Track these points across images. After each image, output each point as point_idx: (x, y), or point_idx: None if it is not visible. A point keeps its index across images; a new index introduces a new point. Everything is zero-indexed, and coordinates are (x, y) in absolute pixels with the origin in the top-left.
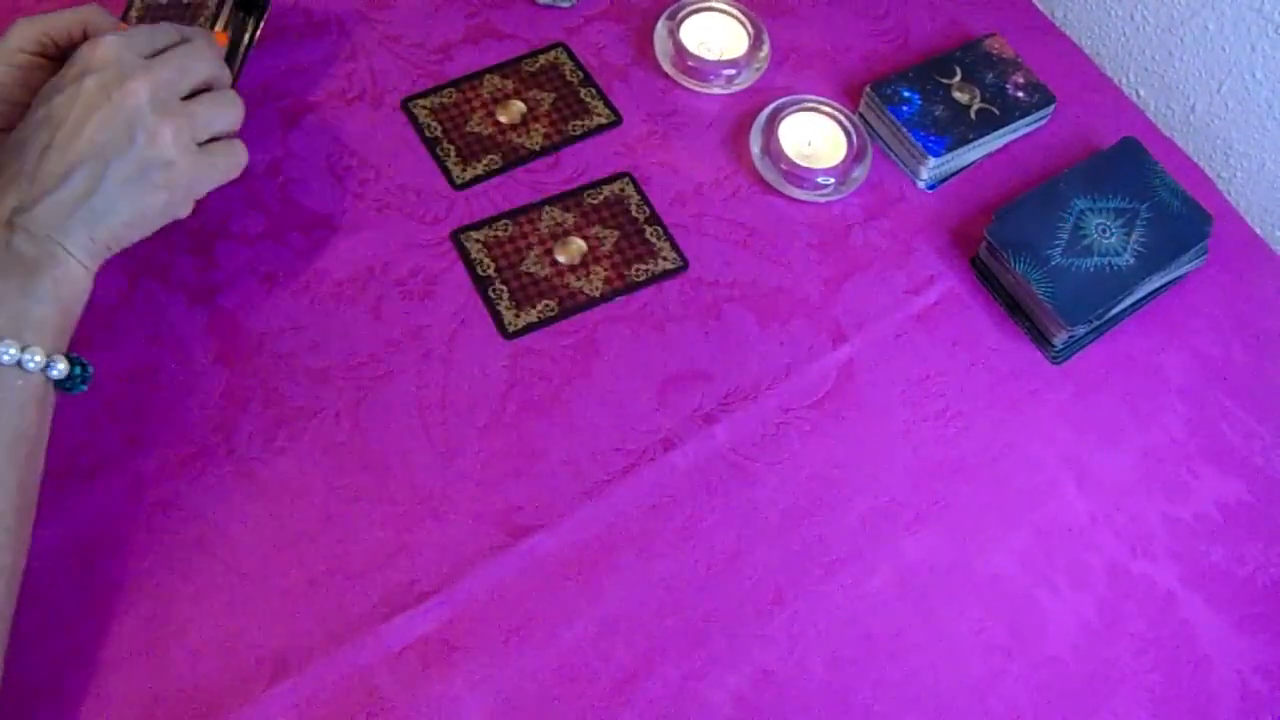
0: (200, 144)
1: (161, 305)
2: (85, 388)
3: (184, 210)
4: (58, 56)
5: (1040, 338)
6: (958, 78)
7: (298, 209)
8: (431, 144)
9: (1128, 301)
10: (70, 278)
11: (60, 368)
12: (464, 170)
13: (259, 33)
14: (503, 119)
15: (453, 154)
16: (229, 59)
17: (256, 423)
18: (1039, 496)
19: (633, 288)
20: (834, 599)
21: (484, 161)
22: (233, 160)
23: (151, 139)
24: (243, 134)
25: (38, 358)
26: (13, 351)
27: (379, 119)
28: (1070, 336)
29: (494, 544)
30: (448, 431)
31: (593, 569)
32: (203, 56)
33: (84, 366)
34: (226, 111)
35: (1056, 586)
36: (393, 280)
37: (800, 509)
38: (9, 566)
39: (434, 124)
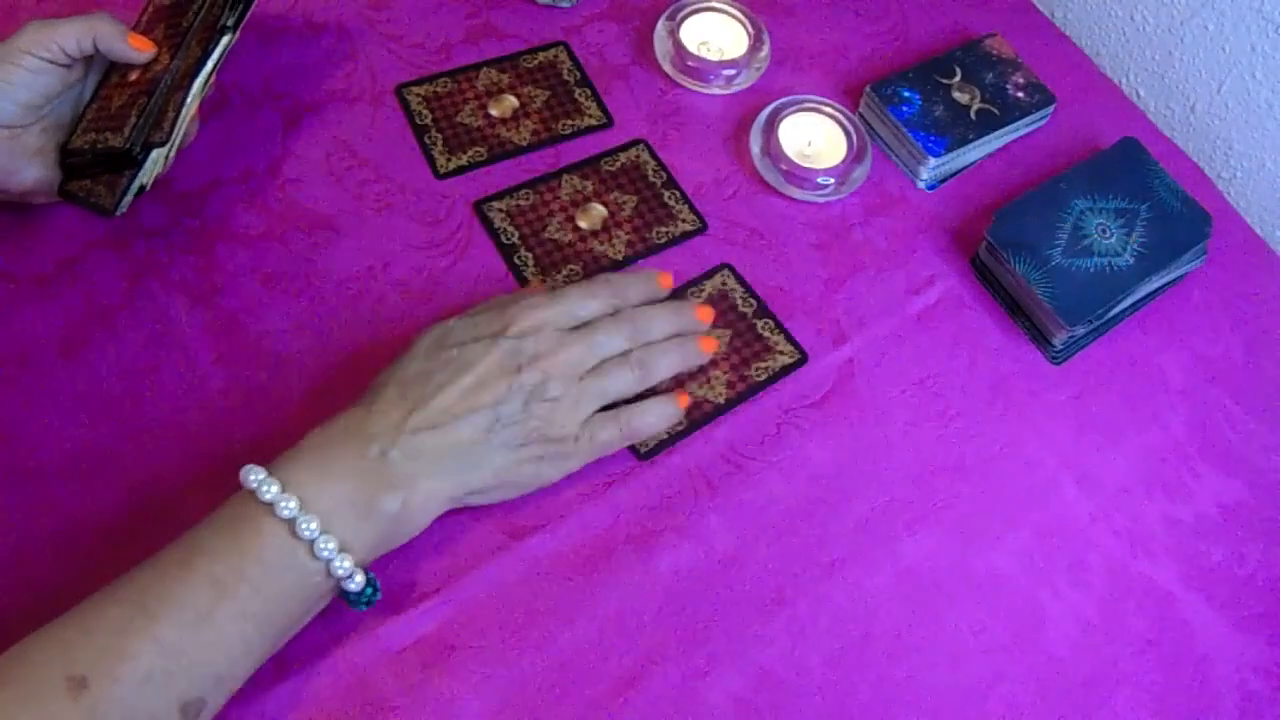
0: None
1: (161, 305)
2: (364, 608)
3: (552, 481)
4: (67, 64)
5: (1040, 338)
6: (958, 78)
7: (298, 209)
8: (420, 131)
9: (1128, 301)
10: (417, 507)
11: (358, 580)
12: (448, 160)
13: (232, 41)
14: (494, 113)
15: (440, 143)
16: (196, 72)
17: (256, 423)
18: (1039, 496)
19: None
20: (834, 599)
21: (469, 153)
22: (614, 435)
23: (546, 413)
24: (244, 133)
25: (345, 565)
26: (330, 548)
27: (379, 119)
28: (1070, 336)
29: (494, 544)
30: None
31: (593, 569)
32: (619, 332)
33: (375, 589)
34: (628, 377)
35: (1056, 586)
36: (393, 280)
37: (800, 509)
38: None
39: (425, 111)
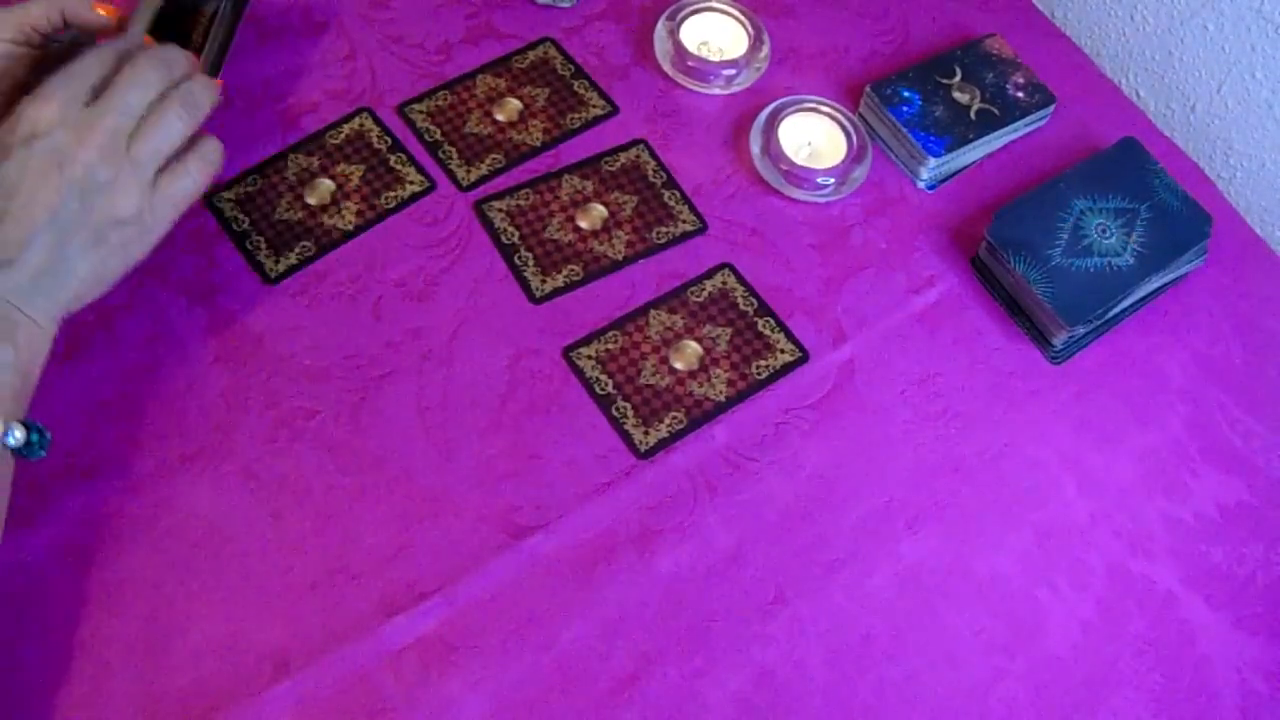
0: (155, 179)
1: (161, 305)
2: (44, 453)
3: (145, 256)
4: (40, 45)
5: (1040, 338)
6: (958, 78)
7: None
8: (433, 148)
9: (1128, 301)
10: (30, 342)
11: (17, 435)
12: (469, 172)
13: (240, 20)
14: (500, 118)
15: (455, 156)
16: (201, 48)
17: (256, 423)
18: (1039, 496)
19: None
20: (834, 599)
21: (487, 161)
22: (190, 183)
23: (106, 201)
24: (243, 134)
25: None
26: None
27: (379, 119)
28: (1070, 336)
29: (494, 544)
30: (448, 431)
31: (593, 569)
32: (141, 81)
33: (41, 433)
34: (176, 123)
35: (1056, 586)
36: (392, 280)
37: (800, 509)
38: None
39: (433, 128)
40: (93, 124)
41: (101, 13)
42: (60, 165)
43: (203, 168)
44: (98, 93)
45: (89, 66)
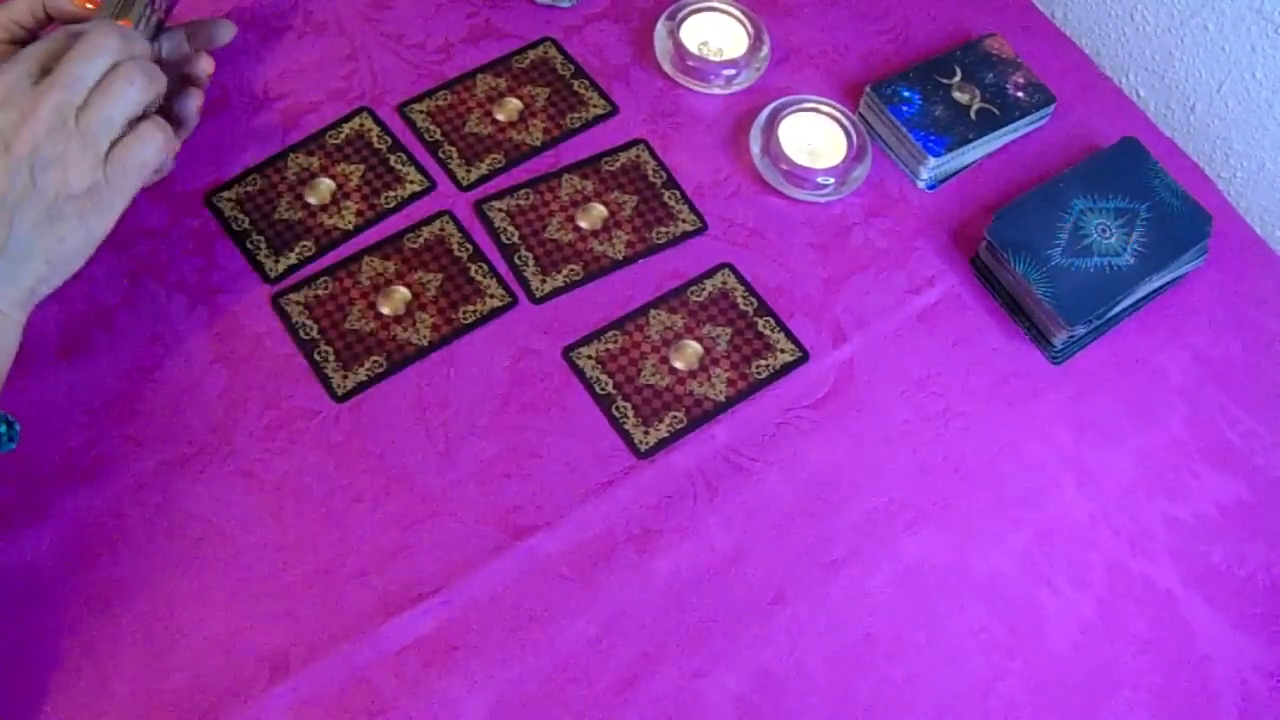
0: (109, 150)
1: (162, 305)
2: (13, 446)
3: (107, 230)
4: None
5: (1040, 338)
6: (958, 78)
7: None
8: (433, 148)
9: (1128, 301)
10: None
11: None
12: (469, 172)
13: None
14: (500, 117)
15: (455, 156)
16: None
17: (256, 423)
18: (1039, 496)
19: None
20: (834, 599)
21: (487, 161)
22: (145, 152)
23: (57, 176)
24: (243, 134)
25: None
26: None
27: (379, 119)
28: (1070, 336)
29: (494, 544)
30: (448, 431)
31: (593, 569)
32: (89, 54)
33: (10, 424)
34: (129, 89)
35: (1056, 586)
36: None
37: (800, 509)
38: None
39: (433, 128)
40: (37, 100)
41: (79, 3)
42: (6, 145)
43: (158, 133)
44: (48, 71)
45: (38, 46)
